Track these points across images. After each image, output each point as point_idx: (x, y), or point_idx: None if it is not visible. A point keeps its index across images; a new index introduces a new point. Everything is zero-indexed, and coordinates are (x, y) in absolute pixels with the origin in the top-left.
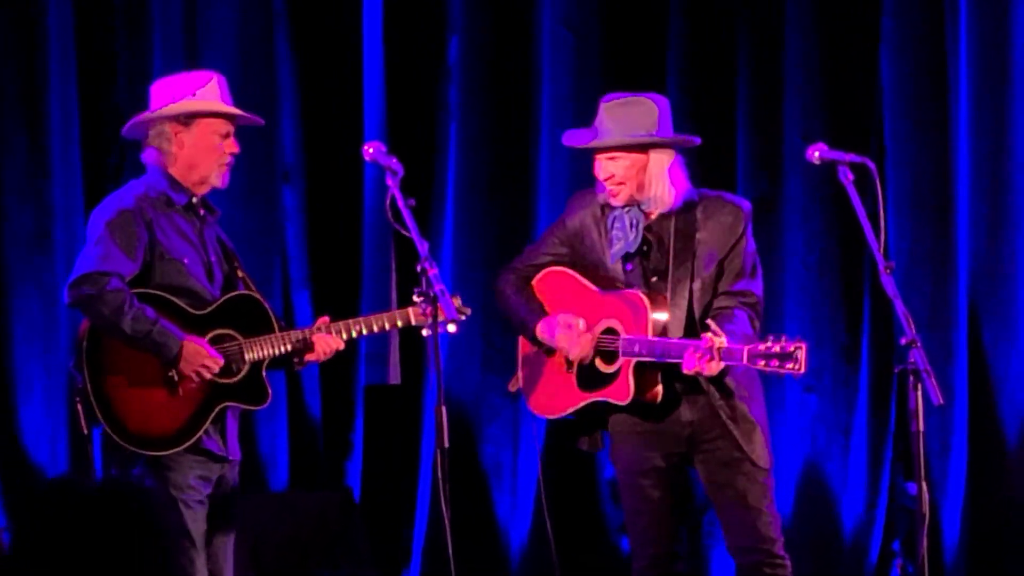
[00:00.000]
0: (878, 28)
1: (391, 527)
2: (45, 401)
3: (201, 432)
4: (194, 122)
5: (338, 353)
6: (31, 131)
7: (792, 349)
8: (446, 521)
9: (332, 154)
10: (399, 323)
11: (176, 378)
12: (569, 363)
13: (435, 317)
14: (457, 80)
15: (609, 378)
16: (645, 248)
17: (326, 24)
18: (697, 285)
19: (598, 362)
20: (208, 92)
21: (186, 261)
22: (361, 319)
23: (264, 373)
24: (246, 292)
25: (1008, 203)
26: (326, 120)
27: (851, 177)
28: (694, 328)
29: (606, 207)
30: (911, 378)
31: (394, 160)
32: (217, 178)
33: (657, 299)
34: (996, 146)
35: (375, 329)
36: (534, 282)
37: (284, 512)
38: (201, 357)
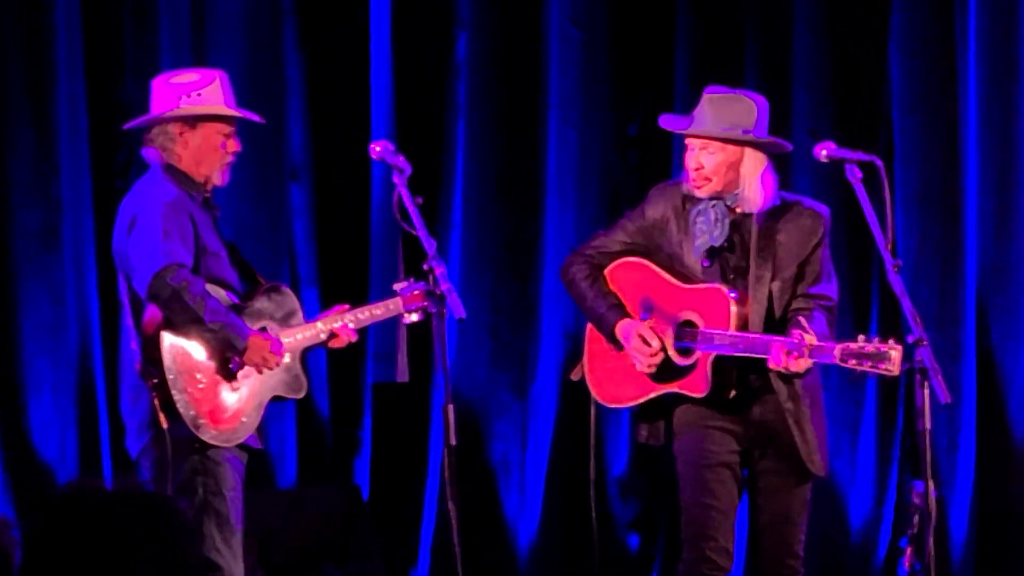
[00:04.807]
0: (887, 25)
1: (399, 524)
2: (53, 399)
3: (257, 424)
4: (200, 124)
5: (349, 348)
6: (38, 127)
7: (887, 350)
8: (453, 519)
9: (340, 152)
10: (391, 309)
11: (235, 368)
12: None
13: (441, 316)
14: (465, 77)
15: (685, 371)
16: (726, 245)
17: (334, 21)
18: (777, 285)
19: (673, 355)
20: (212, 93)
21: (222, 254)
22: (367, 307)
23: (300, 363)
24: (277, 283)
25: (1016, 199)
26: (334, 118)
27: (859, 175)
28: (773, 327)
29: (688, 200)
30: (918, 376)
31: (401, 158)
32: (219, 176)
33: (739, 295)
34: (1004, 142)
35: (375, 317)
36: (607, 272)
37: (292, 509)
38: (264, 350)
